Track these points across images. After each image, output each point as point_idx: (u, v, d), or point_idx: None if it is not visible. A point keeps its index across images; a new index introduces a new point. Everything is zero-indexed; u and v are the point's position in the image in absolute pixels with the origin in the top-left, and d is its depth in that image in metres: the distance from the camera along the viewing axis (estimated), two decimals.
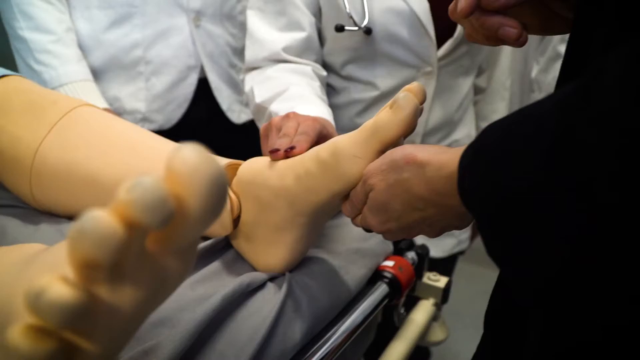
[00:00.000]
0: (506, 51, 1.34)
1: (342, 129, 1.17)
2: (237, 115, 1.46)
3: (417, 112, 0.57)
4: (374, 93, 1.14)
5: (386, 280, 0.82)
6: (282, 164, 0.67)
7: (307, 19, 1.09)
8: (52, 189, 0.79)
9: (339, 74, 1.16)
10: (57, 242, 0.73)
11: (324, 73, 1.12)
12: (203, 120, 1.42)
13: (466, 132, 1.29)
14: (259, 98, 1.01)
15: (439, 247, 1.30)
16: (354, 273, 0.77)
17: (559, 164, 0.34)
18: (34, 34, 1.18)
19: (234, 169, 0.74)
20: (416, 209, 0.52)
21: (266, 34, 1.09)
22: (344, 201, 0.63)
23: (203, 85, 1.39)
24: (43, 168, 0.78)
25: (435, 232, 0.56)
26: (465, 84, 1.22)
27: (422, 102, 0.59)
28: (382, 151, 0.58)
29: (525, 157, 0.37)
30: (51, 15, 1.19)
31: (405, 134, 0.58)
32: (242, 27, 1.41)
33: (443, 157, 0.48)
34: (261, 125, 1.00)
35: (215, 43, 1.38)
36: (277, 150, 0.68)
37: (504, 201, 0.38)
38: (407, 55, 1.10)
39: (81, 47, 1.27)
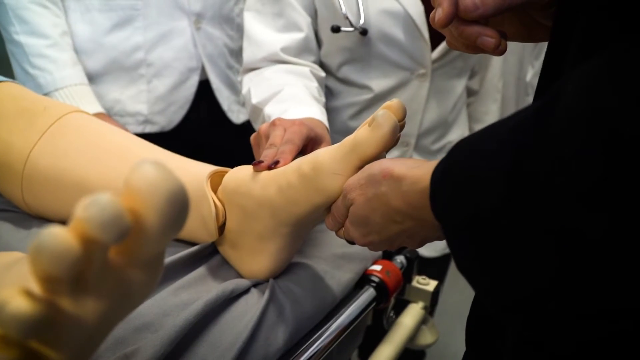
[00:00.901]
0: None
1: (337, 131, 1.18)
2: (236, 115, 1.48)
3: (396, 129, 0.58)
4: (368, 95, 1.16)
5: (373, 284, 0.83)
6: (266, 174, 0.68)
7: (304, 20, 1.10)
8: (43, 194, 0.81)
9: (335, 76, 1.17)
10: None
11: (322, 74, 1.13)
12: (204, 121, 1.43)
13: (460, 134, 1.30)
14: (255, 99, 1.03)
15: (431, 247, 1.31)
16: (339, 278, 0.78)
17: (516, 187, 0.35)
18: (30, 38, 1.19)
19: (221, 176, 0.75)
20: (395, 222, 0.53)
21: (264, 35, 1.10)
22: (326, 214, 0.64)
23: (204, 86, 1.41)
24: (34, 174, 0.80)
25: (417, 243, 0.57)
26: (459, 86, 1.23)
27: (402, 119, 0.60)
28: (361, 167, 0.58)
29: (487, 179, 0.38)
30: (46, 19, 1.21)
31: (384, 150, 0.59)
32: (239, 29, 1.43)
33: (417, 171, 0.49)
34: (257, 126, 1.02)
35: (215, 45, 1.39)
36: (261, 162, 0.69)
37: (469, 219, 0.39)
38: (402, 57, 1.11)
39: (81, 50, 1.28)
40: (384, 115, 0.57)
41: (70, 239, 0.31)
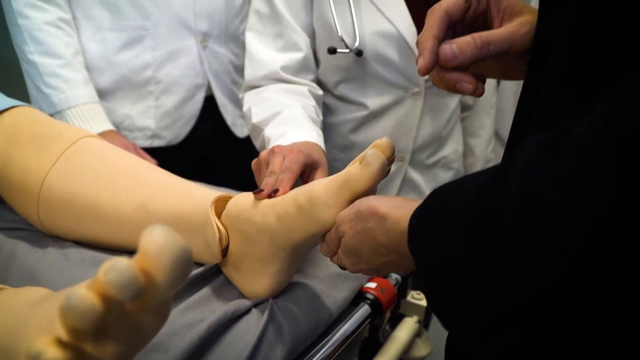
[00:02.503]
0: None
1: (335, 146, 1.24)
2: (240, 129, 1.53)
3: (385, 167, 0.63)
4: (364, 112, 1.21)
5: (368, 301, 0.87)
6: (266, 202, 0.73)
7: (303, 41, 1.15)
8: (58, 215, 0.86)
9: (332, 93, 1.22)
10: (62, 266, 0.80)
11: (320, 92, 1.18)
12: (209, 135, 1.48)
13: (454, 148, 1.34)
14: (255, 118, 1.07)
15: None
16: (334, 296, 0.82)
17: (477, 243, 0.40)
18: (44, 58, 1.24)
19: (224, 201, 0.80)
20: (381, 254, 0.59)
21: (265, 54, 1.15)
22: (321, 240, 0.69)
23: (209, 102, 1.46)
24: (49, 196, 0.85)
25: (403, 271, 0.63)
26: (452, 102, 1.28)
27: (390, 156, 0.65)
28: (352, 201, 0.64)
29: (455, 231, 0.43)
30: (60, 40, 1.26)
31: (374, 186, 0.64)
32: (244, 46, 1.47)
33: (399, 212, 0.54)
34: (257, 144, 1.06)
35: (220, 62, 1.44)
36: (262, 191, 0.74)
37: (440, 266, 0.45)
38: (396, 76, 1.16)
39: (93, 67, 1.34)
40: (374, 154, 0.62)
41: (93, 300, 0.37)
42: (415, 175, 1.28)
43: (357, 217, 0.60)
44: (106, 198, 0.83)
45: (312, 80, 1.18)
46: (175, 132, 1.43)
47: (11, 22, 1.25)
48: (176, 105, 1.41)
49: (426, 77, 1.15)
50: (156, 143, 1.41)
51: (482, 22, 0.63)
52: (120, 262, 0.37)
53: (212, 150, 1.50)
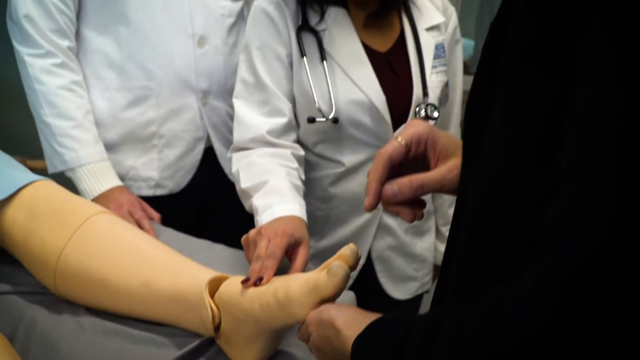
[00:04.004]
0: (456, 112, 1.49)
1: (317, 197, 1.36)
2: None
3: (348, 276, 0.76)
4: (341, 169, 1.32)
5: None
6: (252, 291, 0.86)
7: (286, 107, 1.27)
8: (73, 285, 0.98)
9: (312, 151, 1.34)
10: (77, 333, 0.92)
11: (302, 153, 1.29)
12: (208, 182, 1.59)
13: None
14: (244, 184, 1.19)
15: (403, 290, 1.46)
16: None
17: None
18: (58, 121, 1.36)
19: (218, 281, 0.92)
20: (341, 357, 0.70)
21: (252, 119, 1.26)
22: (299, 327, 0.81)
23: (208, 152, 1.57)
24: (65, 269, 0.97)
25: None
26: None
27: (354, 264, 0.77)
28: (320, 303, 0.77)
29: None
30: (72, 102, 1.37)
31: (339, 293, 0.77)
32: None
33: (349, 331, 0.66)
34: (246, 205, 1.19)
35: (219, 115, 1.56)
36: (248, 280, 0.86)
37: None
38: (369, 137, 1.28)
39: (101, 122, 1.45)
40: (338, 266, 0.75)
41: None
42: (390, 220, 1.38)
43: (320, 324, 0.73)
44: (115, 274, 0.95)
45: (294, 141, 1.30)
46: (177, 181, 1.55)
47: (28, 85, 1.37)
48: (178, 157, 1.53)
49: (395, 133, 1.27)
50: (159, 192, 1.53)
51: (423, 160, 0.75)
52: None
53: (211, 196, 1.62)
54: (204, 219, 1.64)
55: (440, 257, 1.50)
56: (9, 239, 1.04)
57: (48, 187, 1.07)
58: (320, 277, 0.76)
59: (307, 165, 1.35)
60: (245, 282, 0.87)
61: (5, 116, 2.36)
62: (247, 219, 1.14)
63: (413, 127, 0.74)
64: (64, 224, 1.00)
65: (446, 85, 1.36)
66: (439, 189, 0.71)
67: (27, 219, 1.02)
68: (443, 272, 0.68)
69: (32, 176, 1.08)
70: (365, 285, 1.35)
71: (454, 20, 1.40)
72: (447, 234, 0.96)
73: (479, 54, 0.59)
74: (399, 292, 1.44)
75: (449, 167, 0.71)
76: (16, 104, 1.63)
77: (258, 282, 0.86)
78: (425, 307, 1.65)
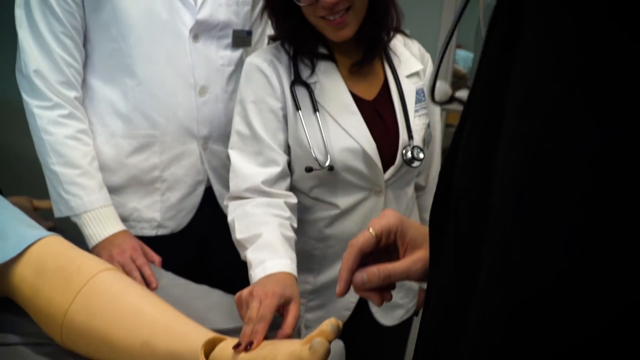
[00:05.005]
0: (437, 150, 1.59)
1: (313, 237, 1.44)
2: None
3: (328, 352, 0.82)
4: (336, 211, 1.39)
5: None
6: (242, 356, 0.92)
7: (280, 158, 1.34)
8: (78, 341, 1.05)
9: (308, 195, 1.41)
10: None
11: (295, 200, 1.36)
12: (207, 221, 1.66)
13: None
14: (239, 235, 1.26)
15: (390, 317, 1.54)
16: None
17: None
18: (64, 169, 1.42)
19: (213, 342, 0.98)
20: None
21: (247, 169, 1.34)
22: None
23: (208, 192, 1.65)
24: (71, 326, 1.04)
25: None
26: (409, 190, 1.48)
27: (334, 338, 0.83)
28: None
29: None
30: (78, 151, 1.44)
31: None
32: None
33: None
34: (242, 254, 1.26)
35: (218, 159, 1.63)
36: (239, 345, 0.93)
37: None
38: (361, 181, 1.36)
39: (106, 167, 1.52)
40: (319, 342, 0.82)
41: None
42: None
43: None
44: (117, 334, 1.02)
45: (287, 188, 1.37)
46: (178, 221, 1.62)
47: (36, 135, 1.43)
48: (180, 200, 1.60)
49: (386, 177, 1.36)
50: (161, 232, 1.60)
51: (393, 249, 0.81)
52: None
53: (210, 234, 1.68)
54: (203, 255, 1.72)
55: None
56: (18, 295, 1.11)
57: (55, 244, 1.14)
58: (304, 351, 0.83)
59: (304, 208, 1.42)
60: (236, 347, 0.93)
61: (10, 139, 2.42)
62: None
63: (384, 219, 0.80)
64: (69, 283, 1.06)
65: (428, 126, 1.45)
66: (405, 278, 0.77)
67: (35, 277, 1.08)
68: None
69: (40, 233, 1.15)
70: (358, 314, 1.45)
71: (429, 66, 1.49)
72: None
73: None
74: (387, 319, 1.53)
75: (414, 260, 0.77)
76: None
77: (249, 346, 0.93)
78: (415, 328, 1.72)
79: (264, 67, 1.33)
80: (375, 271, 0.77)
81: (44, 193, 1.52)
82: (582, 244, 0.34)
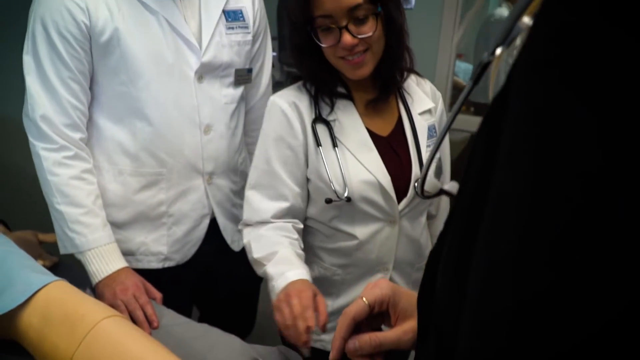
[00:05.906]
0: (447, 179, 1.64)
1: (334, 264, 1.53)
2: (237, 244, 1.77)
3: None
4: (355, 242, 1.47)
5: None
6: None
7: (290, 192, 1.43)
8: None
9: (328, 225, 1.49)
10: None
11: (301, 226, 1.48)
12: (212, 252, 1.71)
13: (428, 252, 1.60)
14: (256, 254, 1.38)
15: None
16: None
17: None
18: (69, 208, 1.47)
19: None
20: None
21: (260, 203, 1.45)
22: None
23: (212, 224, 1.70)
24: None
25: None
26: (423, 219, 1.57)
27: None
28: None
29: None
30: (83, 190, 1.48)
31: None
32: (242, 175, 1.73)
33: None
34: (258, 271, 1.39)
35: (223, 193, 1.68)
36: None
37: None
38: (377, 212, 1.44)
39: (114, 203, 1.57)
40: None
41: None
42: (397, 278, 1.54)
43: None
44: None
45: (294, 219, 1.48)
46: (184, 254, 1.66)
47: (41, 176, 1.48)
48: (185, 233, 1.65)
49: (400, 207, 1.43)
50: (167, 264, 1.65)
51: (386, 316, 0.84)
52: None
53: (214, 264, 1.74)
54: (207, 284, 1.77)
55: None
56: (25, 340, 1.16)
57: (61, 290, 1.18)
58: None
59: (325, 237, 1.52)
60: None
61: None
62: (244, 281, 1.31)
63: (377, 289, 0.84)
64: (74, 331, 1.11)
65: (439, 160, 1.52)
66: (395, 347, 0.80)
67: (41, 323, 1.13)
68: None
69: (45, 278, 1.19)
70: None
71: (440, 103, 1.57)
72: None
73: None
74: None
75: (404, 330, 0.80)
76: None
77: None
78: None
79: (285, 107, 1.42)
80: (367, 339, 0.80)
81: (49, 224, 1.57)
82: (582, 244, 0.34)
